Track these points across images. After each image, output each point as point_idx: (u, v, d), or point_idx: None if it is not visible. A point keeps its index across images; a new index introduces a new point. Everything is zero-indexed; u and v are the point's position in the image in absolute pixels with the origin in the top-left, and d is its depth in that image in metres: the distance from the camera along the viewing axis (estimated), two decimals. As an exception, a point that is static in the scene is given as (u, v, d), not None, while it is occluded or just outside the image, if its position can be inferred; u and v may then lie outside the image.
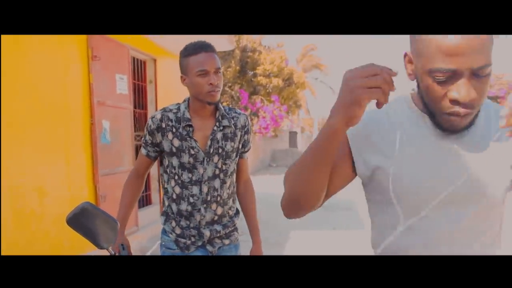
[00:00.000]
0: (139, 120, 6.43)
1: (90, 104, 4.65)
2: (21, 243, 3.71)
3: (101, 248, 1.55)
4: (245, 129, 2.21)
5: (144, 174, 2.28)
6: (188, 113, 2.09)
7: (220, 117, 2.12)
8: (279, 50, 16.87)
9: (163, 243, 2.20)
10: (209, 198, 2.10)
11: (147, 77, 6.48)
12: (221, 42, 7.09)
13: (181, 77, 2.12)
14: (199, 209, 2.10)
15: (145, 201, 6.45)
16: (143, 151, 2.20)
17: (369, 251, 2.05)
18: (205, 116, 2.11)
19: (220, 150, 2.09)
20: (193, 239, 2.12)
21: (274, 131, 16.25)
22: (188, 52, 2.07)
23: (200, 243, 2.13)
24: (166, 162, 2.14)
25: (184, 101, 2.15)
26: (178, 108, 2.12)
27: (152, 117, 2.11)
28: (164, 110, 2.13)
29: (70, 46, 4.40)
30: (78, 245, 4.20)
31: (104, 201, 4.78)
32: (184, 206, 2.11)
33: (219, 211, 2.14)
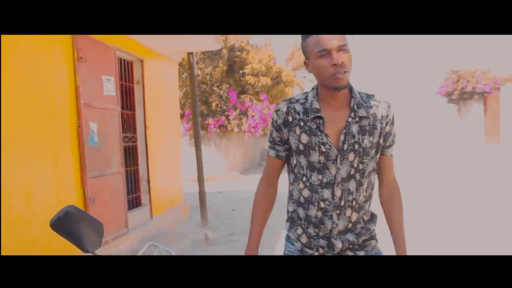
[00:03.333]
0: (127, 121, 6.38)
1: (77, 106, 4.60)
2: (9, 248, 3.66)
3: (87, 251, 1.52)
4: (387, 119, 1.83)
5: (276, 180, 2.02)
6: (317, 102, 1.80)
7: (355, 106, 1.78)
8: (266, 49, 16.86)
9: (287, 252, 2.00)
10: (342, 203, 1.80)
11: (134, 78, 6.43)
12: (208, 41, 7.07)
13: (304, 62, 1.83)
14: (331, 215, 1.81)
15: (134, 203, 6.40)
16: (271, 152, 1.93)
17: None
18: (337, 105, 1.80)
19: (357, 146, 1.76)
20: (321, 251, 1.86)
21: (264, 130, 16.22)
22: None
23: (329, 256, 1.86)
24: (293, 161, 1.88)
25: (313, 89, 1.87)
26: (306, 98, 1.84)
27: (277, 110, 1.85)
28: (290, 101, 1.86)
29: (55, 47, 4.35)
30: (67, 250, 4.15)
31: (93, 204, 4.74)
32: (313, 212, 1.83)
33: (354, 217, 1.84)
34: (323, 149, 1.77)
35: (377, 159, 1.87)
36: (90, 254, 1.54)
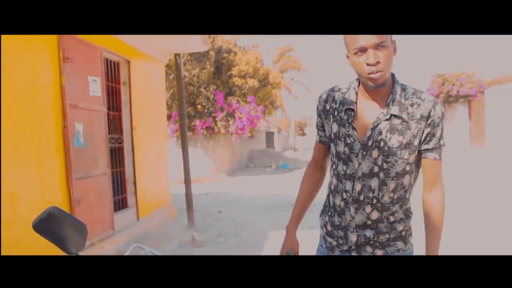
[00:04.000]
0: (113, 122, 6.33)
1: (62, 106, 4.55)
2: (-8, 250, 3.61)
3: (70, 253, 1.50)
4: (429, 120, 1.72)
5: (323, 164, 2.04)
6: (355, 94, 1.80)
7: (391, 103, 1.74)
8: (254, 50, 16.87)
9: (320, 238, 2.04)
10: (361, 198, 1.80)
11: (120, 79, 6.39)
12: (195, 43, 7.05)
13: (346, 56, 1.78)
14: (350, 208, 1.83)
15: (121, 205, 6.36)
16: (316, 137, 1.99)
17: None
18: (375, 100, 1.77)
19: (382, 144, 1.73)
20: (340, 241, 1.89)
21: (251, 131, 16.23)
22: None
23: (345, 248, 1.87)
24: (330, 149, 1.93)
25: (357, 79, 1.83)
26: (349, 88, 1.85)
27: (319, 97, 1.90)
28: (332, 89, 1.89)
29: (41, 47, 4.31)
30: (52, 252, 4.11)
31: (78, 205, 4.69)
32: (337, 201, 1.86)
33: (374, 215, 1.81)
34: (348, 141, 1.78)
35: (411, 160, 1.78)
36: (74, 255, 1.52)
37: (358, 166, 1.78)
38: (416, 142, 1.74)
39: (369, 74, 1.66)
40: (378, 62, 1.64)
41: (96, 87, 5.22)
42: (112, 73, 6.20)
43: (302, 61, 31.21)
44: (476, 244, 5.65)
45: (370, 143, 1.74)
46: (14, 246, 3.85)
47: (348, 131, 1.78)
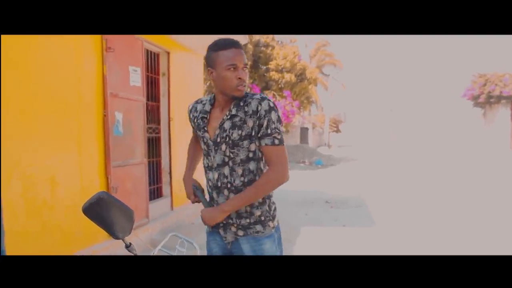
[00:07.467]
0: (152, 113, 6.43)
1: (103, 95, 4.66)
2: (32, 232, 3.73)
3: (117, 238, 1.53)
4: (258, 114, 2.09)
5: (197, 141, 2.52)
6: (210, 106, 2.23)
7: (232, 106, 2.14)
8: (292, 45, 16.80)
9: None
10: (219, 184, 2.18)
11: (160, 70, 6.48)
12: (234, 36, 7.07)
13: (208, 70, 2.18)
14: (213, 193, 2.22)
15: (156, 194, 6.46)
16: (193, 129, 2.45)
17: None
18: (224, 107, 2.18)
19: (227, 139, 2.12)
20: None
21: (286, 126, 16.20)
22: (218, 46, 2.09)
23: (216, 227, 2.24)
24: None
25: (211, 93, 2.27)
26: (208, 100, 2.28)
27: (188, 107, 2.35)
28: (196, 101, 2.34)
29: (84, 37, 4.41)
30: (89, 235, 4.22)
31: (115, 192, 4.79)
32: (208, 188, 2.27)
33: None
34: (204, 140, 2.22)
35: (252, 148, 2.13)
36: (119, 240, 1.56)
37: (214, 159, 2.18)
38: (253, 133, 2.10)
39: (237, 86, 2.07)
40: (245, 79, 2.09)
41: (136, 77, 5.31)
42: (152, 64, 6.29)
43: (338, 57, 30.93)
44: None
45: (218, 139, 2.14)
46: (54, 230, 3.97)
47: (203, 134, 2.22)
